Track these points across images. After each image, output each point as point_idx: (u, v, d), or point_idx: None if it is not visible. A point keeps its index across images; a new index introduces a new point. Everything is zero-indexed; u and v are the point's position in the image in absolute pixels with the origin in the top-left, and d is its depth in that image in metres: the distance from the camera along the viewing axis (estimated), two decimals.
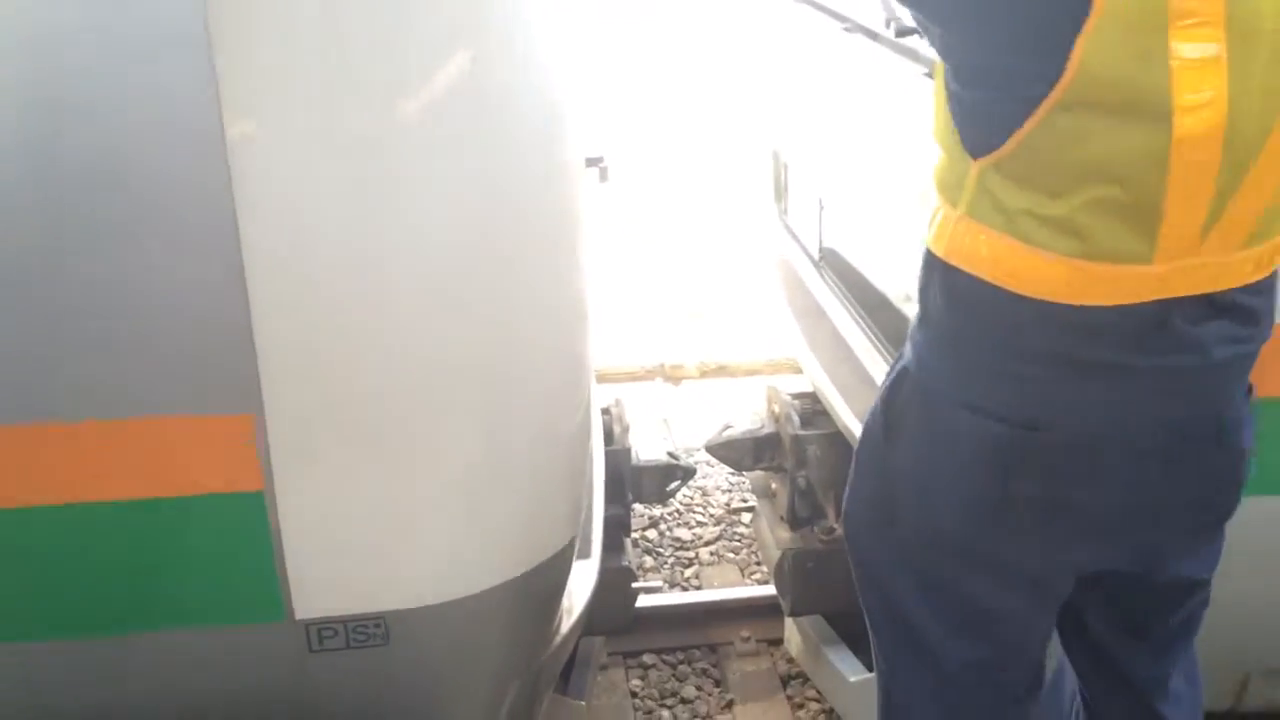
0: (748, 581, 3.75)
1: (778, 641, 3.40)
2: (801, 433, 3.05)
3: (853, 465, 1.79)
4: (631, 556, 3.21)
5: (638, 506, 3.80)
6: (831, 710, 3.11)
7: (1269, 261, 1.48)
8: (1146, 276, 1.40)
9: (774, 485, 3.31)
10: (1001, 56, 1.38)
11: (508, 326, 1.78)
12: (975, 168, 1.43)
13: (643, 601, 3.31)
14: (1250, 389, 1.62)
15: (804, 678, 3.26)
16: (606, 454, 3.04)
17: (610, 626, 3.15)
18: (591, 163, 2.33)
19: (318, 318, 1.65)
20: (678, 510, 4.14)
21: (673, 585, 3.74)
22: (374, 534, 1.80)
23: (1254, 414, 1.63)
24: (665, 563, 3.86)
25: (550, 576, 2.04)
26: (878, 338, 2.77)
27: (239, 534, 1.75)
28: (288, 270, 1.63)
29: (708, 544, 3.96)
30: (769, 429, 3.28)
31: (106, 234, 1.58)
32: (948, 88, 1.47)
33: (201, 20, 1.50)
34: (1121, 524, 1.60)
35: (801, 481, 3.05)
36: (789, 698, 3.21)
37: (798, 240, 3.55)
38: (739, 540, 3.98)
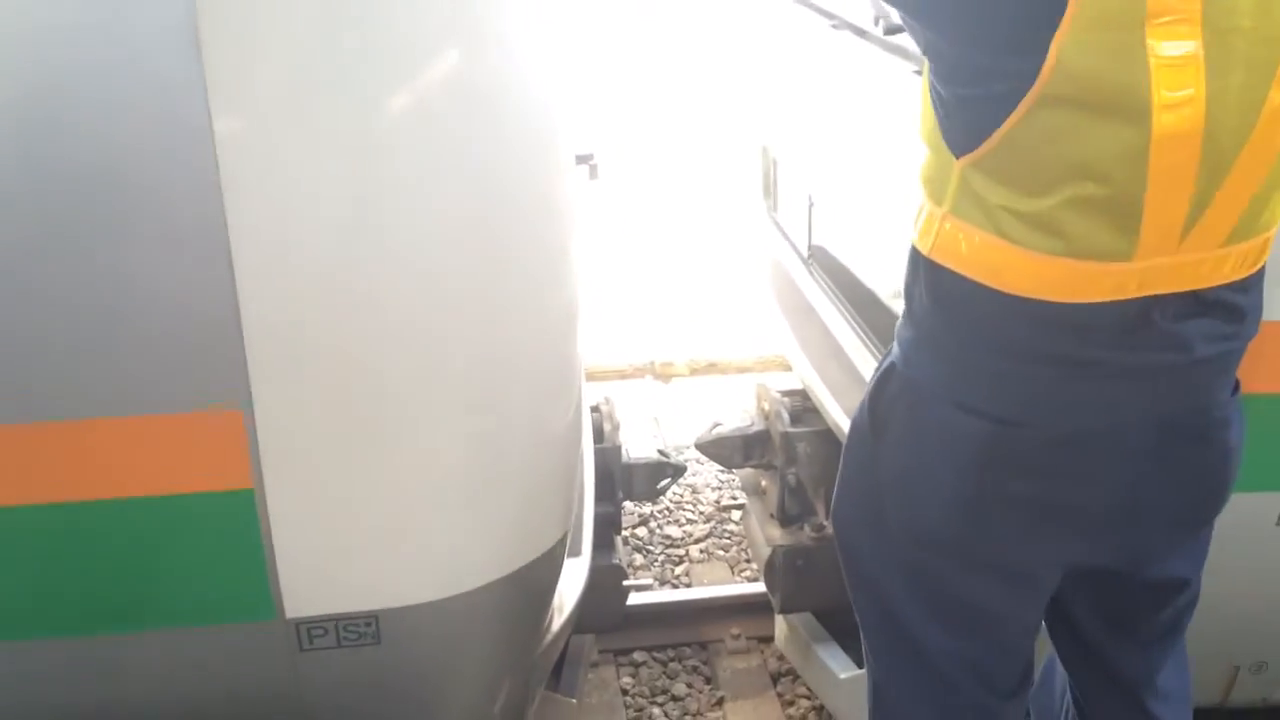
0: (738, 579, 3.76)
1: (768, 639, 3.40)
2: (791, 430, 3.05)
3: (841, 462, 1.80)
4: (622, 554, 3.21)
5: (628, 504, 3.81)
6: (821, 707, 3.11)
7: (1255, 259, 1.48)
8: (1127, 274, 1.40)
9: (764, 483, 3.31)
10: (981, 54, 1.38)
11: (498, 323, 1.78)
12: (958, 166, 1.44)
13: (633, 599, 3.31)
14: (1237, 385, 1.62)
15: (794, 675, 3.26)
16: (597, 452, 3.04)
17: (601, 624, 3.16)
18: (581, 160, 2.33)
19: (307, 314, 1.65)
20: (668, 508, 4.14)
21: (663, 583, 3.74)
22: (364, 532, 1.80)
23: (1242, 411, 1.64)
24: (655, 560, 3.86)
25: (541, 574, 2.04)
26: (867, 335, 2.77)
27: (228, 532, 1.74)
28: (277, 267, 1.62)
29: (698, 541, 3.96)
30: (759, 426, 3.28)
31: (95, 231, 1.58)
32: (931, 86, 1.47)
33: (191, 17, 1.50)
34: (1106, 521, 1.61)
35: (791, 479, 3.06)
36: (779, 695, 3.22)
37: (787, 237, 3.55)
38: (729, 538, 3.98)
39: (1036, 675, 1.85)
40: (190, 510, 1.73)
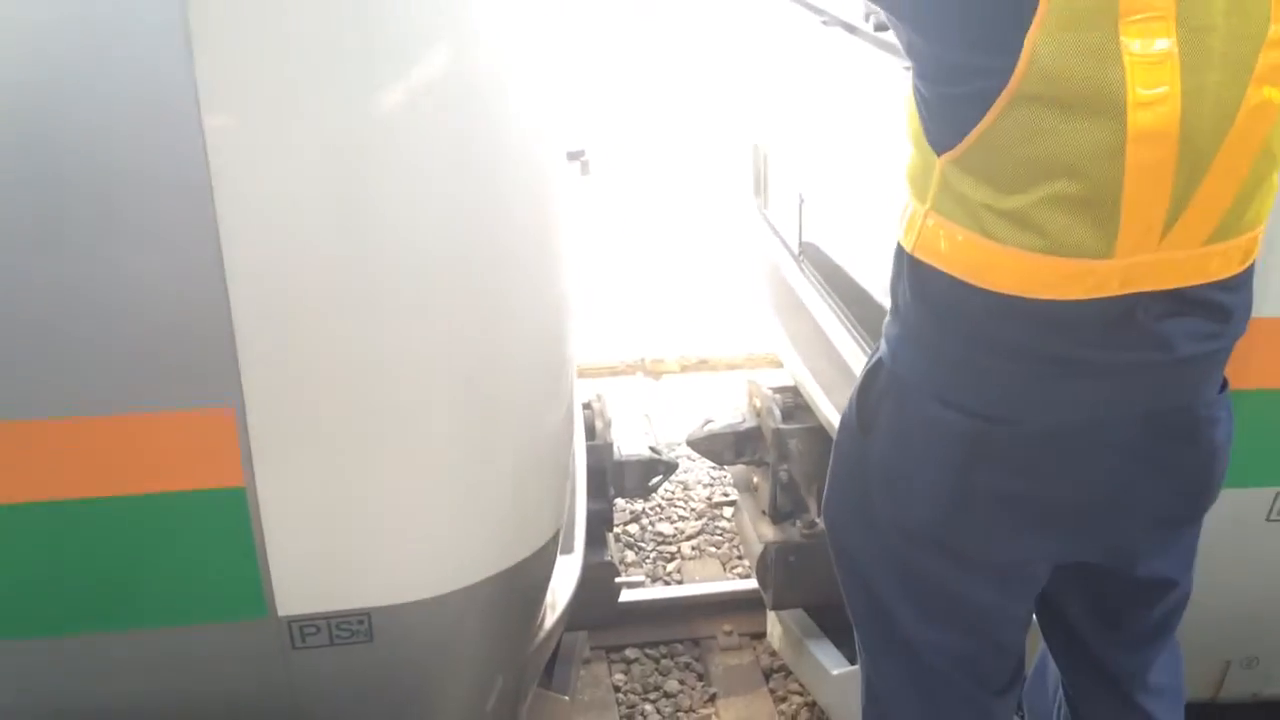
0: (730, 575, 3.76)
1: (760, 635, 3.41)
2: (783, 426, 3.06)
3: (831, 458, 1.80)
4: (614, 551, 3.21)
5: (620, 501, 3.81)
6: (814, 703, 3.12)
7: (1241, 257, 1.48)
8: (1109, 271, 1.40)
9: (755, 479, 3.32)
10: (956, 52, 1.39)
11: (489, 321, 1.78)
12: (940, 163, 1.44)
13: (625, 596, 3.31)
14: (1225, 383, 1.62)
15: (786, 671, 3.27)
16: (588, 449, 3.04)
17: (593, 621, 3.16)
18: (573, 156, 2.33)
19: (298, 312, 1.65)
20: (659, 505, 4.15)
21: (655, 580, 3.74)
22: (356, 530, 1.79)
23: (1231, 408, 1.64)
24: (647, 557, 3.86)
25: (534, 571, 2.04)
26: (857, 331, 2.78)
27: (220, 530, 1.74)
28: (267, 264, 1.62)
29: (690, 538, 3.96)
30: (750, 423, 3.29)
31: (85, 229, 1.57)
32: (914, 84, 1.48)
33: (182, 13, 1.49)
34: (1091, 517, 1.61)
35: (783, 475, 3.06)
36: (771, 691, 3.22)
37: (778, 234, 3.55)
38: (721, 534, 3.99)
39: (1028, 671, 1.86)
40: (182, 508, 1.72)
